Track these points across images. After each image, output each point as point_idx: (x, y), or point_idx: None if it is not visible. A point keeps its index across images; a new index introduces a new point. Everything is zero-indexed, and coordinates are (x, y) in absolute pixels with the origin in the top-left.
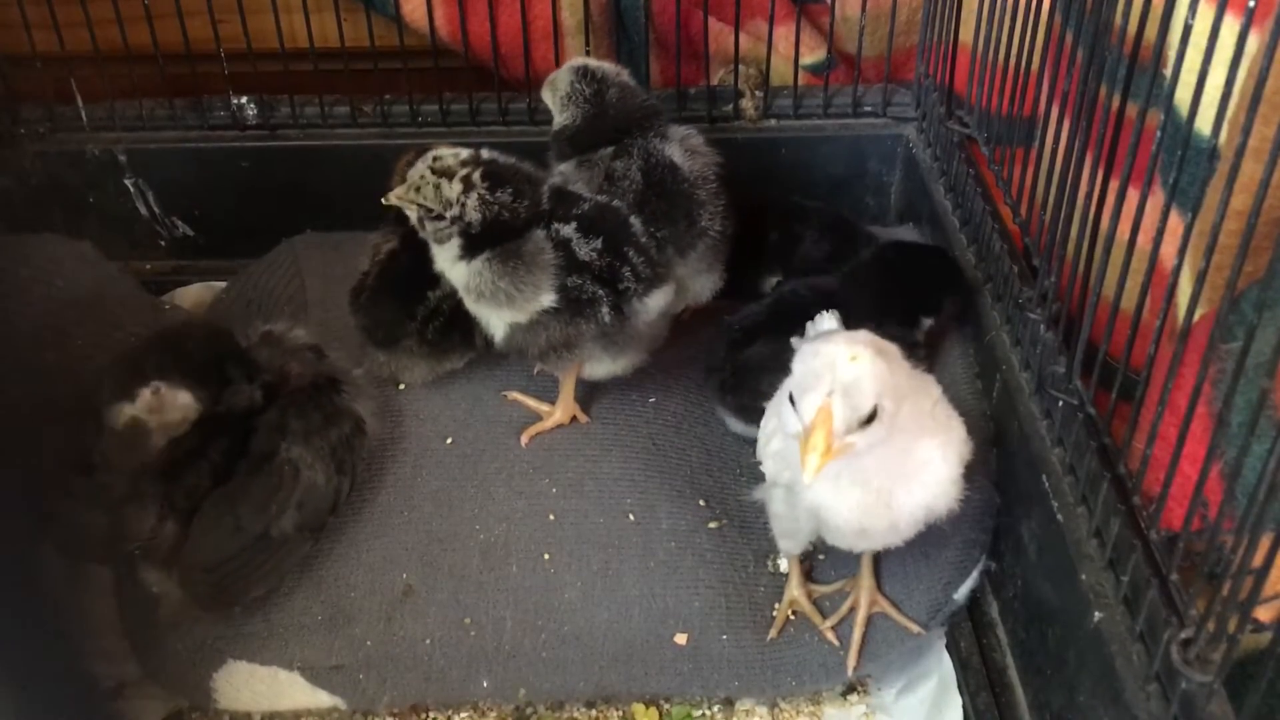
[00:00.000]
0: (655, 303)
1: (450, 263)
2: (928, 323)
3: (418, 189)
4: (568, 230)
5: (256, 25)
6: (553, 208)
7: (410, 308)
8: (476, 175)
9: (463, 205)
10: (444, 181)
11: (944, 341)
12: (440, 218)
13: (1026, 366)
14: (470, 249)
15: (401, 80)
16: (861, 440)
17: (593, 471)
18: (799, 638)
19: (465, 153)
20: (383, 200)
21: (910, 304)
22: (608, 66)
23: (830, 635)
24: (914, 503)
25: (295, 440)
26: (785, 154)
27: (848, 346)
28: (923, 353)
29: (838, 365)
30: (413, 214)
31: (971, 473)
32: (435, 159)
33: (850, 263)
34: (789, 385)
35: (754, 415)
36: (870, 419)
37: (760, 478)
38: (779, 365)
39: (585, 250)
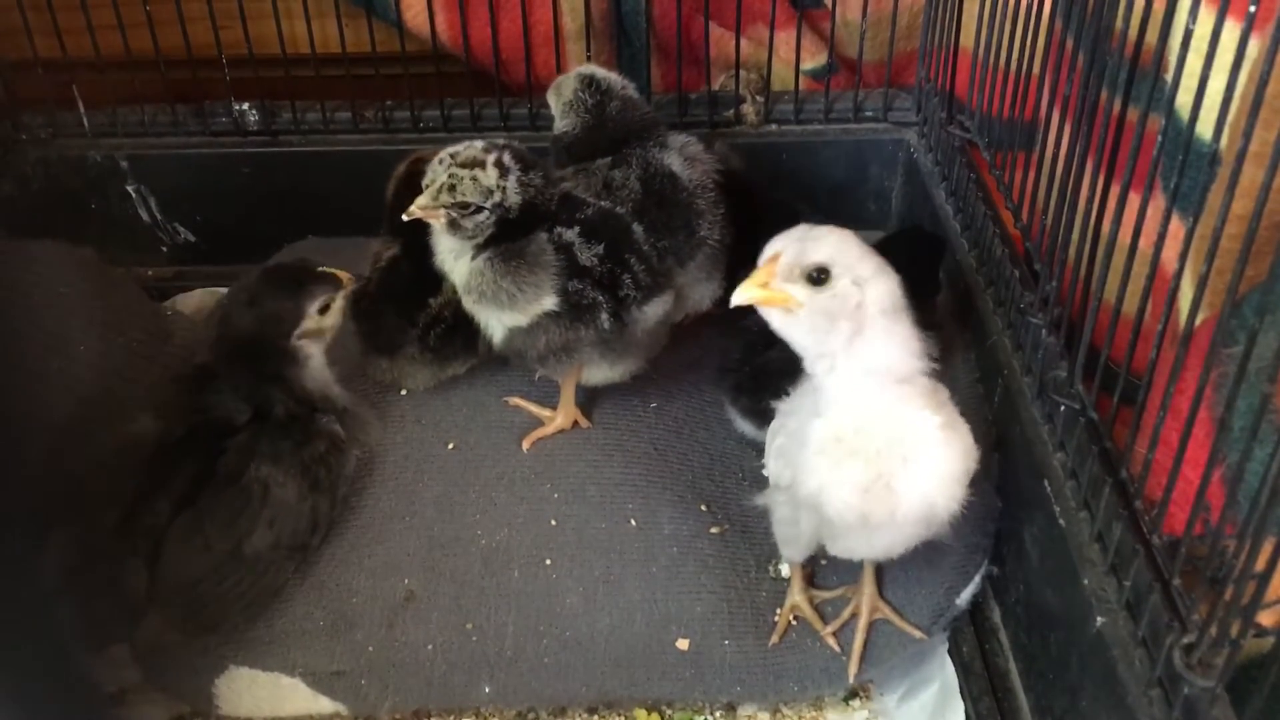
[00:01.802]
0: (654, 311)
1: (454, 258)
2: (939, 298)
3: (451, 188)
4: (570, 234)
5: (258, 31)
6: (556, 211)
7: (412, 314)
8: (507, 158)
9: (503, 189)
10: (478, 171)
11: (947, 348)
12: (480, 210)
13: (1028, 371)
14: (492, 241)
15: (403, 85)
16: (808, 301)
17: (594, 477)
18: (801, 643)
19: (479, 142)
20: (404, 217)
21: (920, 288)
22: (614, 78)
23: (832, 641)
24: (916, 491)
25: (264, 460)
26: (786, 159)
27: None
28: (938, 333)
29: (809, 229)
30: (441, 220)
31: (974, 478)
32: (453, 155)
33: None
34: None
35: (766, 419)
36: (820, 279)
37: (764, 483)
38: (797, 369)
39: (587, 255)
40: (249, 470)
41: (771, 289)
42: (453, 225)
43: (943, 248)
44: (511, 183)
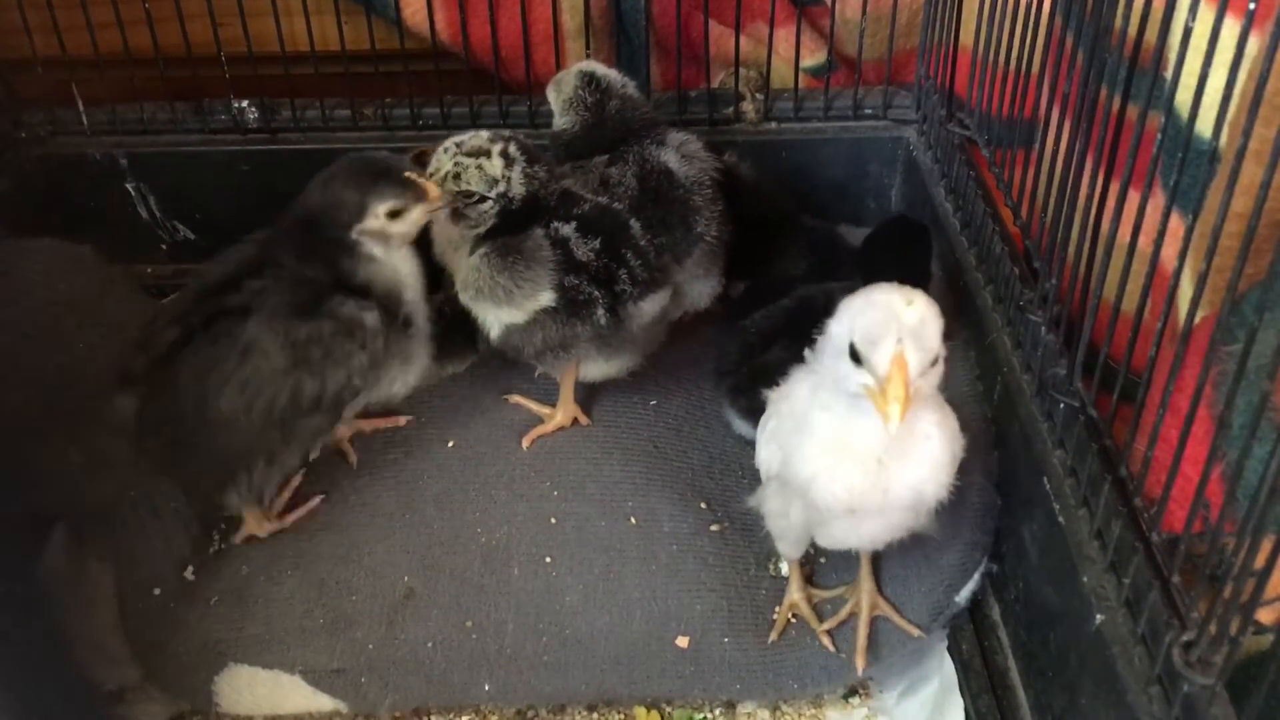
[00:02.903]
0: (650, 307)
1: (453, 250)
2: (930, 286)
3: (456, 176)
4: (567, 229)
5: (257, 28)
6: (554, 206)
7: None
8: (513, 149)
9: (508, 179)
10: (483, 161)
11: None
12: (484, 199)
13: (1027, 369)
14: (488, 236)
15: (402, 83)
16: (926, 384)
17: (594, 474)
18: (800, 640)
19: (485, 132)
20: None
21: (912, 279)
22: (614, 76)
23: (827, 640)
24: (905, 482)
25: (259, 323)
26: (786, 157)
27: (902, 293)
28: None
29: (900, 312)
30: (445, 211)
31: (969, 471)
32: (458, 144)
33: (845, 266)
34: (831, 344)
35: None
36: (934, 363)
37: (759, 482)
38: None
39: (583, 250)
40: (237, 328)
41: (913, 392)
42: (456, 215)
43: (929, 236)
44: (516, 173)
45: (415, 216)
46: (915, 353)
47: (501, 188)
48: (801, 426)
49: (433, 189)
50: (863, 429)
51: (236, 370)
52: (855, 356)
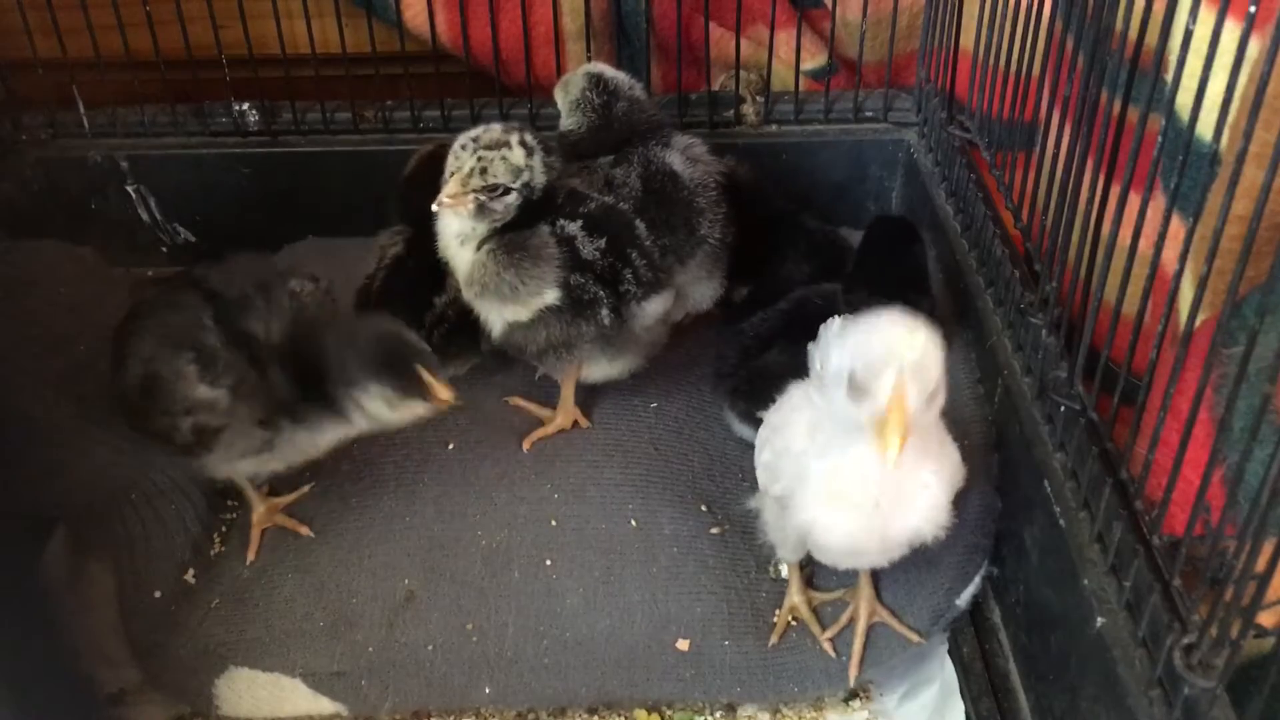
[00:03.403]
0: (654, 308)
1: (459, 244)
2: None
3: (483, 171)
4: (573, 228)
5: (258, 31)
6: (560, 204)
7: (416, 313)
8: (529, 138)
9: (531, 168)
10: (505, 152)
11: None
12: (508, 191)
13: (1028, 371)
14: (495, 232)
15: (403, 85)
16: (923, 418)
17: (594, 477)
18: (801, 643)
19: (496, 125)
20: (434, 208)
21: (910, 281)
22: (621, 78)
23: (828, 646)
24: (904, 525)
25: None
26: (786, 159)
27: (903, 324)
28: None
29: (901, 344)
30: (470, 206)
31: (970, 484)
32: (474, 139)
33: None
34: (831, 374)
35: None
36: (934, 393)
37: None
38: (795, 372)
39: (589, 249)
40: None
41: (910, 424)
42: (480, 210)
43: (917, 233)
44: (537, 161)
45: (417, 410)
46: (916, 385)
47: (526, 177)
48: (799, 473)
49: (443, 392)
50: (860, 466)
51: (145, 350)
52: (855, 387)
